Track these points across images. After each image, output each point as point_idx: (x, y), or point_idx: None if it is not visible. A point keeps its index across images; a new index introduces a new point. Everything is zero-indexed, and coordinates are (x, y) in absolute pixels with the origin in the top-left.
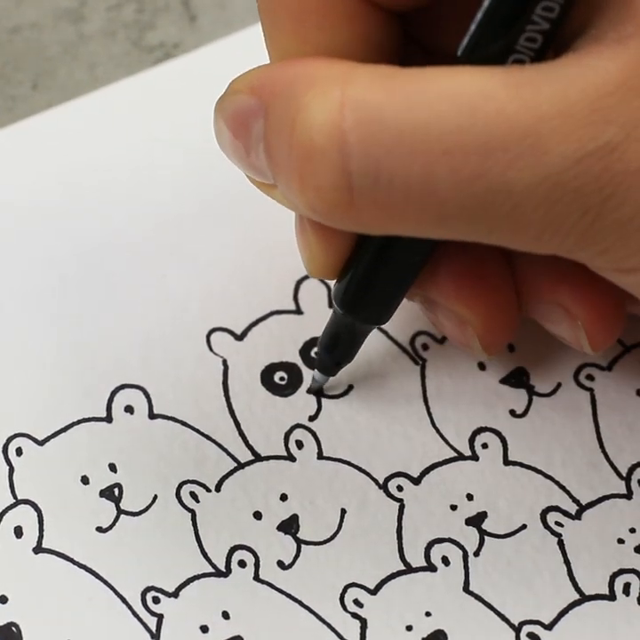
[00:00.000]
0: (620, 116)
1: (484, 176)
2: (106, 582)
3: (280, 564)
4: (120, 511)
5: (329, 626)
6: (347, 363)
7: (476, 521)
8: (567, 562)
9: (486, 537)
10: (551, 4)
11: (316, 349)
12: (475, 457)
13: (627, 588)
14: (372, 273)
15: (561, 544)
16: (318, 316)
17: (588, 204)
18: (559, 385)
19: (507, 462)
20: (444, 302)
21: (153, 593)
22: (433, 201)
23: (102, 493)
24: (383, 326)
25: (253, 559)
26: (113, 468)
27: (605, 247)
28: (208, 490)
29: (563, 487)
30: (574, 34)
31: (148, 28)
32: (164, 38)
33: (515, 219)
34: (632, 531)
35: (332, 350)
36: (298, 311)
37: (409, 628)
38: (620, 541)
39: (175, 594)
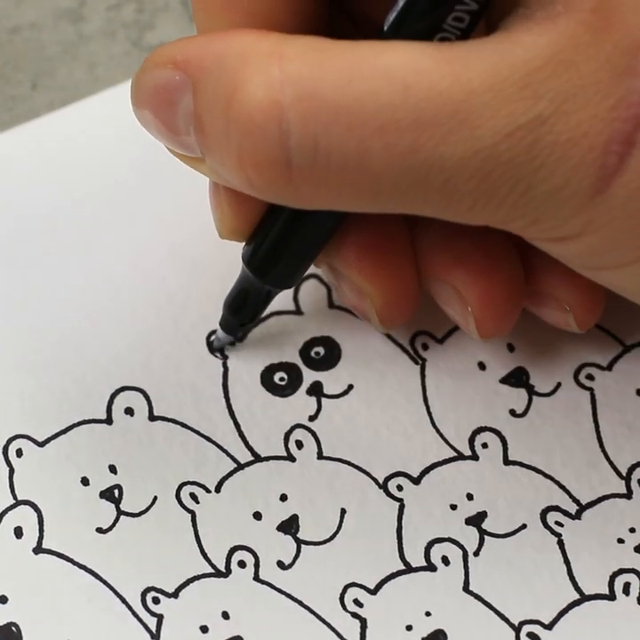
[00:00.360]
0: (550, 89)
1: (417, 151)
2: (106, 583)
3: (280, 564)
4: (120, 512)
5: (329, 626)
6: (250, 324)
7: (476, 521)
8: (567, 561)
9: (486, 537)
10: None
11: (316, 349)
12: (475, 457)
13: (626, 588)
14: (281, 238)
15: (561, 544)
16: (318, 316)
17: (519, 174)
18: (559, 384)
19: (507, 462)
20: (347, 273)
21: (153, 593)
22: (368, 176)
23: (102, 494)
24: None
25: (253, 559)
26: (113, 469)
27: (537, 217)
28: (208, 491)
29: (563, 487)
30: (504, 13)
31: (147, 28)
32: (163, 38)
33: (448, 192)
34: (632, 530)
35: (237, 311)
36: (298, 312)
37: (409, 628)
38: (620, 541)
39: (175, 594)
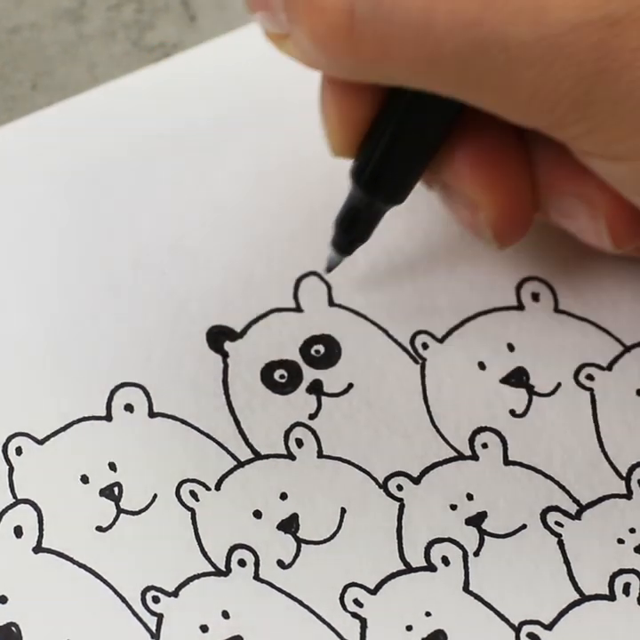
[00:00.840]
0: None
1: (481, 24)
2: (106, 582)
3: (280, 563)
4: (120, 510)
5: (329, 625)
6: (361, 242)
7: (476, 521)
8: (567, 562)
9: (486, 537)
10: None
11: (316, 347)
12: (475, 457)
13: (627, 588)
14: (389, 150)
15: (561, 544)
16: (318, 313)
17: (582, 73)
18: (559, 385)
19: (507, 462)
20: (459, 185)
21: (153, 592)
22: (429, 39)
23: (102, 492)
24: (383, 325)
25: (253, 558)
26: (113, 466)
27: (595, 125)
28: (208, 488)
29: (562, 487)
30: None
31: (147, 28)
32: (163, 38)
33: (507, 74)
34: (632, 531)
35: (348, 228)
36: (298, 309)
37: (409, 628)
38: (620, 541)
39: (175, 593)
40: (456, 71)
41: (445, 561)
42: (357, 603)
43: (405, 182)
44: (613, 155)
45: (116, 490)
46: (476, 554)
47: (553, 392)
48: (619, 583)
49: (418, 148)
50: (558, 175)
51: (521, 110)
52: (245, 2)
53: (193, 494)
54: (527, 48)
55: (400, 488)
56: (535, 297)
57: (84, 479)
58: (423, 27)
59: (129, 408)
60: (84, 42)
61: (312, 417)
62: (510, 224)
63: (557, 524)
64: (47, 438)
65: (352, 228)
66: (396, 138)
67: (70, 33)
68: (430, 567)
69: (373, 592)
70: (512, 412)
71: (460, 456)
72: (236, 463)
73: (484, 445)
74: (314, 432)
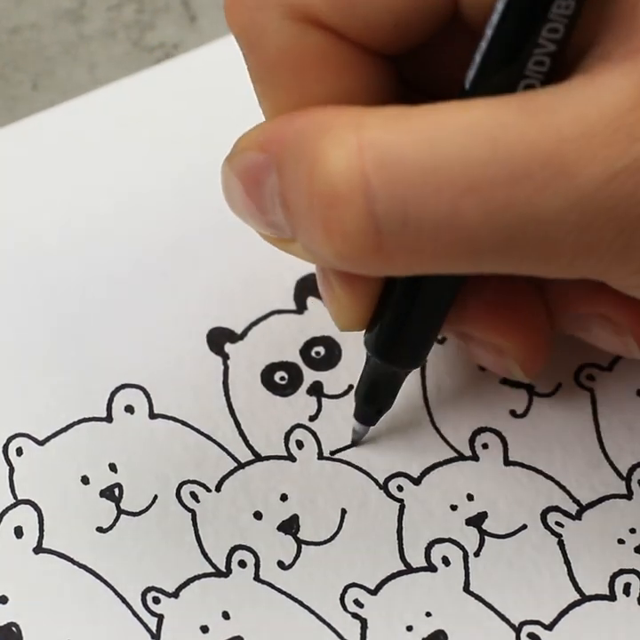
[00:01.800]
0: None
1: (512, 206)
2: (106, 582)
3: (280, 564)
4: (120, 511)
5: (329, 626)
6: (387, 410)
7: (477, 521)
8: (567, 562)
9: (486, 537)
10: (556, 25)
11: (316, 349)
12: (475, 457)
13: (627, 589)
14: (403, 318)
15: (561, 544)
16: (319, 315)
17: (623, 223)
18: (559, 385)
19: (507, 462)
20: (479, 335)
21: (153, 593)
22: (463, 237)
23: (102, 493)
24: None
25: (254, 559)
26: (113, 467)
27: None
28: (208, 490)
29: (563, 487)
30: (580, 52)
31: (148, 29)
32: (164, 39)
33: (546, 247)
34: (632, 531)
35: (373, 400)
36: (298, 311)
37: (409, 629)
38: (621, 542)
39: (175, 594)
40: (495, 255)
41: (446, 561)
42: (358, 603)
43: (425, 344)
44: None
45: (116, 491)
46: (477, 554)
47: (553, 392)
48: (619, 583)
49: (432, 310)
50: (573, 298)
51: (565, 271)
52: (231, 208)
53: (193, 495)
54: (562, 217)
55: (400, 489)
56: None
57: (85, 480)
58: (455, 227)
59: (129, 409)
60: (84, 42)
61: (312, 418)
62: (536, 356)
63: (558, 524)
64: (48, 439)
65: (374, 399)
66: (412, 304)
67: (71, 33)
68: (431, 567)
69: (374, 592)
70: (512, 413)
71: (461, 456)
72: (236, 464)
73: (485, 446)
74: (314, 434)
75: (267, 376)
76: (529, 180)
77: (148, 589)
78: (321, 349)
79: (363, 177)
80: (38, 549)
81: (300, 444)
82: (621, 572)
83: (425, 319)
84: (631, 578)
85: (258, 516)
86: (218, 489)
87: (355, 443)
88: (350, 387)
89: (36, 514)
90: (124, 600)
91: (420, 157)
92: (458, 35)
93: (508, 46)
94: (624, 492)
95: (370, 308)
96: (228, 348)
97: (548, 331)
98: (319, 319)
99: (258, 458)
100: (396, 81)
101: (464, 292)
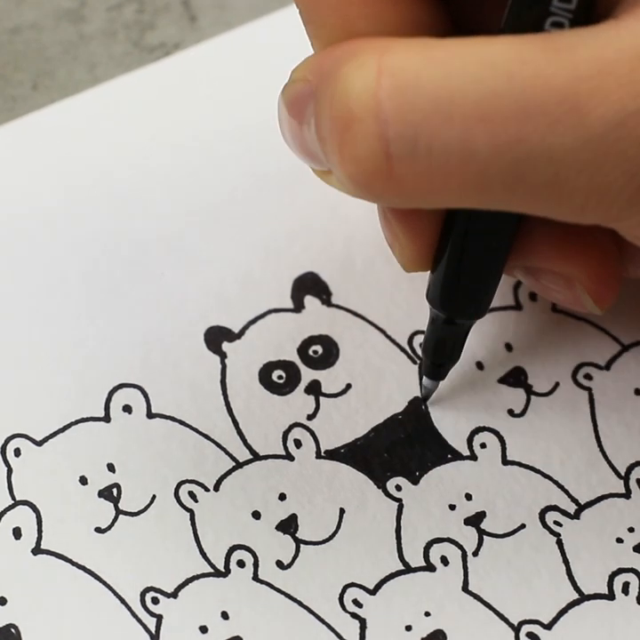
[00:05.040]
0: None
1: (523, 141)
2: (105, 583)
3: (279, 563)
4: (119, 511)
5: (328, 626)
6: (454, 363)
7: (475, 521)
8: (566, 561)
9: (485, 537)
10: None
11: (314, 348)
12: (473, 457)
13: (626, 588)
14: (464, 267)
15: (560, 543)
16: (316, 314)
17: (634, 168)
18: (557, 384)
19: (505, 462)
20: (550, 266)
21: (152, 593)
22: (473, 167)
23: (101, 494)
24: (381, 325)
25: (252, 559)
26: (111, 468)
27: None
28: (206, 489)
29: (561, 487)
30: (613, 2)
31: (148, 29)
32: (164, 38)
33: (558, 186)
34: (631, 530)
35: (440, 354)
36: (296, 309)
37: (408, 628)
38: (619, 541)
39: (174, 594)
40: (505, 191)
41: (444, 561)
42: (357, 603)
43: (488, 292)
44: None
45: (114, 491)
46: (475, 554)
47: (551, 392)
48: (618, 582)
49: (492, 257)
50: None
51: (576, 214)
52: (291, 148)
53: (192, 495)
54: (573, 155)
55: (399, 488)
56: (533, 296)
57: (83, 480)
58: (465, 155)
59: (127, 409)
60: (84, 42)
61: (310, 417)
62: (608, 286)
63: (556, 523)
64: (45, 439)
65: (441, 353)
66: (470, 253)
67: (71, 33)
68: (429, 567)
69: (373, 592)
70: (510, 412)
71: (459, 456)
72: (234, 464)
73: (483, 445)
74: (312, 433)
75: (264, 375)
76: (542, 116)
77: (147, 590)
78: (318, 348)
79: (376, 100)
80: (37, 550)
81: (298, 443)
82: (620, 571)
83: (488, 266)
84: (630, 577)
85: (256, 515)
86: (216, 488)
87: (425, 399)
88: (348, 386)
89: (34, 515)
90: (122, 600)
91: (435, 85)
92: None
93: None
94: (622, 491)
95: (431, 246)
96: (226, 346)
97: (617, 262)
98: (316, 318)
99: (256, 457)
100: (445, 21)
101: (531, 226)
